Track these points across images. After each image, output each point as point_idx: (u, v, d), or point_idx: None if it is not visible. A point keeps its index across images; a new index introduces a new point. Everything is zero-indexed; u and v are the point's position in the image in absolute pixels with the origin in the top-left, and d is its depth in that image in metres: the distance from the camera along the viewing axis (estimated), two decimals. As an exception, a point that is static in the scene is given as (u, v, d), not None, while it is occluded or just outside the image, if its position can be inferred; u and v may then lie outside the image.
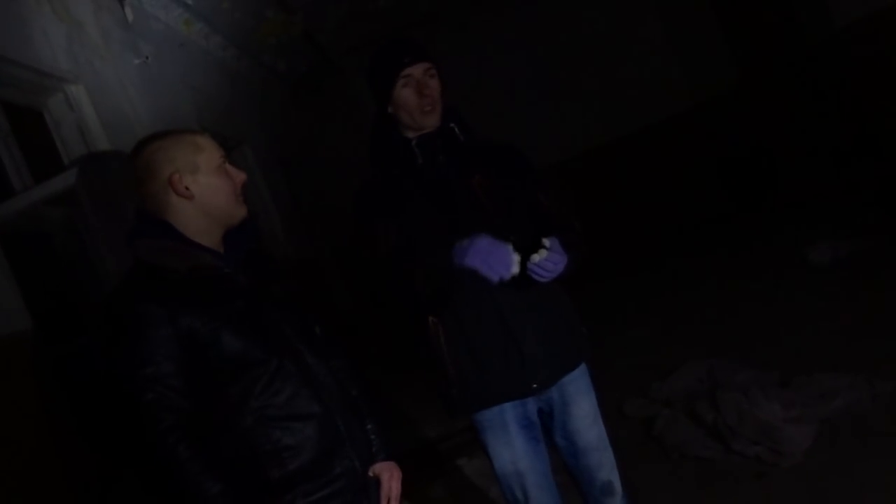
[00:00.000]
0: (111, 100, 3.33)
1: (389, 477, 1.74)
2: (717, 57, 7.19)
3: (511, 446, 1.96)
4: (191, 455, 1.47)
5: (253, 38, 5.94)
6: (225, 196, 1.63)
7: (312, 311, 1.83)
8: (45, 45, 2.95)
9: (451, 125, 1.98)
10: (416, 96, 1.92)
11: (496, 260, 1.68)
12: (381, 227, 1.91)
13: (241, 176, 1.67)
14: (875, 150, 4.93)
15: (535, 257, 1.73)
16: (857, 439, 2.75)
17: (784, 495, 2.62)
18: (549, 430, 2.04)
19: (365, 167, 2.05)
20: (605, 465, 2.03)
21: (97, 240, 2.69)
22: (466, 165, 1.96)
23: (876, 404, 2.90)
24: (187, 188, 1.60)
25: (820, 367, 3.22)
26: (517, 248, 1.72)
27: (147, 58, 3.90)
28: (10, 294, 2.37)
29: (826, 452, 2.75)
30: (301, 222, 6.44)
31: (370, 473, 1.72)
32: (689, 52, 7.34)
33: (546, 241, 1.75)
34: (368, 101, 2.02)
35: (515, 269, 1.69)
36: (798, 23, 5.89)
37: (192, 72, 4.84)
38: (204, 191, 1.61)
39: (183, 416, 1.49)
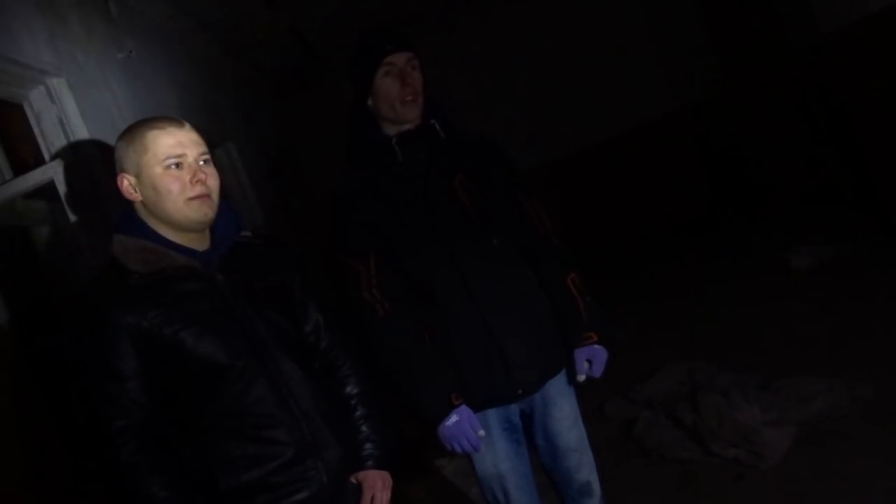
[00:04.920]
0: (93, 93, 3.29)
1: (371, 486, 1.67)
2: (702, 62, 7.21)
3: (493, 448, 1.95)
4: (139, 459, 1.43)
5: (239, 34, 5.91)
6: (171, 200, 1.52)
7: (317, 299, 1.78)
8: (26, 37, 2.91)
9: (432, 122, 1.94)
10: (398, 85, 1.87)
11: (465, 441, 1.82)
12: (360, 248, 1.88)
13: (199, 177, 1.53)
14: (857, 155, 4.97)
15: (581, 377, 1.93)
16: (835, 442, 2.78)
17: (761, 497, 2.64)
18: (530, 431, 2.04)
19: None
20: (584, 467, 2.03)
21: (77, 234, 2.66)
22: (448, 164, 1.93)
23: (854, 408, 2.93)
24: (134, 190, 1.55)
25: (800, 370, 3.24)
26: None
27: (131, 52, 3.86)
28: (-14, 288, 2.35)
29: (804, 455, 2.77)
30: (287, 221, 6.41)
31: (353, 480, 1.67)
32: (675, 57, 7.35)
33: (579, 365, 1.92)
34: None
35: (478, 447, 1.86)
36: (783, 28, 5.92)
37: (177, 67, 4.80)
38: (147, 193, 1.53)
39: (136, 419, 1.46)
